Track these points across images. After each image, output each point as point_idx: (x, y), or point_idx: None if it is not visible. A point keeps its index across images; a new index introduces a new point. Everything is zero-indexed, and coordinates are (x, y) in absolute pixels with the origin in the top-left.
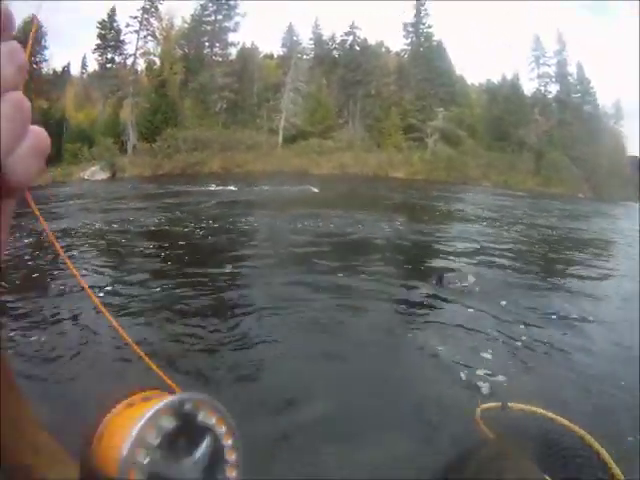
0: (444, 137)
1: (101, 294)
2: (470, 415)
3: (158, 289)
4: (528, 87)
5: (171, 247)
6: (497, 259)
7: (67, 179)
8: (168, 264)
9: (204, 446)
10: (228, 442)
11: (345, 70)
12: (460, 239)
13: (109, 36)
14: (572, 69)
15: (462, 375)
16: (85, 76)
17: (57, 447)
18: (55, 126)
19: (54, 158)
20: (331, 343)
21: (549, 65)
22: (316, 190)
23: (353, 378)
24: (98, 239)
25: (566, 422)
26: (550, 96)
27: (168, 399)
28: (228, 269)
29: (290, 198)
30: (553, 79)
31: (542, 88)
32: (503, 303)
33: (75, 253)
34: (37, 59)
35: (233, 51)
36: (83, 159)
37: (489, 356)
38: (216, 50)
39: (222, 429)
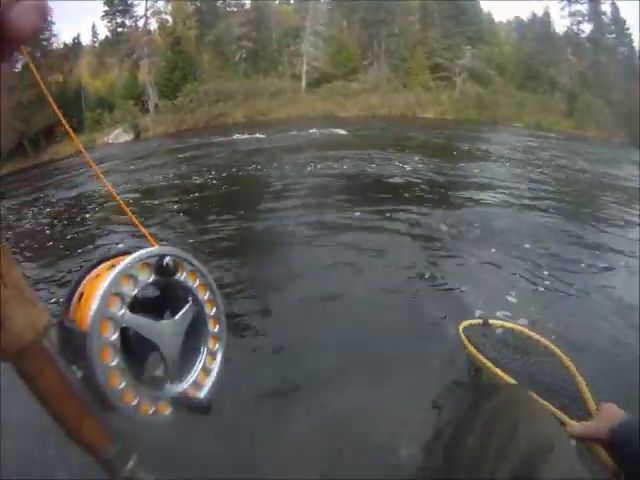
0: (473, 76)
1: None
2: (456, 331)
3: (188, 235)
4: (559, 26)
5: (201, 197)
6: (526, 201)
7: (91, 145)
8: (197, 211)
9: (185, 310)
10: (211, 311)
11: (366, 10)
12: (487, 179)
13: (116, 1)
14: (606, 8)
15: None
16: (97, 44)
17: (27, 287)
18: (73, 97)
19: (76, 128)
20: (349, 281)
21: (581, 3)
22: (344, 132)
23: (368, 313)
24: (127, 198)
25: (546, 341)
26: (583, 35)
27: (145, 250)
28: (256, 212)
29: (318, 141)
30: (586, 17)
31: (574, 27)
32: (527, 246)
33: (107, 214)
34: (45, 35)
35: (247, 0)
36: (105, 124)
37: (511, 299)
38: (229, 1)
39: (205, 296)
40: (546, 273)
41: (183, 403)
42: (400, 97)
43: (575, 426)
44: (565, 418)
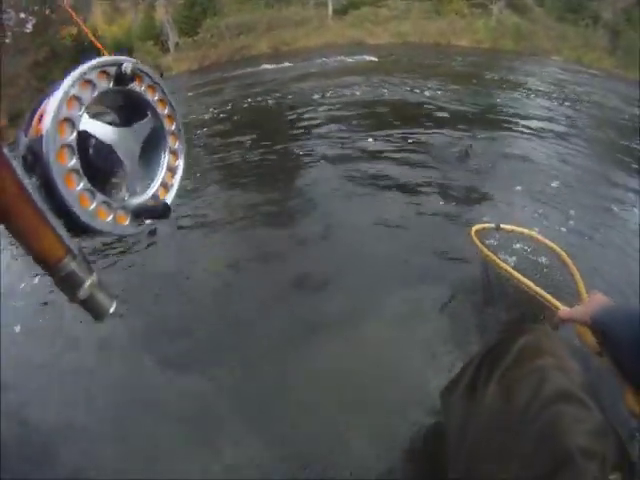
0: (510, 4)
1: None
2: (466, 234)
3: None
4: None
5: (227, 127)
6: (555, 136)
7: None
8: (224, 140)
9: (144, 121)
10: (170, 127)
11: None
12: (517, 111)
13: None
14: None
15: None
16: None
17: None
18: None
19: None
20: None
21: None
22: (374, 59)
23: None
24: None
25: (554, 245)
26: None
27: (103, 57)
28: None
29: (347, 68)
30: None
31: None
32: (554, 184)
33: None
34: None
35: None
36: None
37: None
38: None
39: (164, 111)
40: (571, 211)
41: (142, 212)
42: (433, 24)
43: (563, 310)
44: (556, 303)
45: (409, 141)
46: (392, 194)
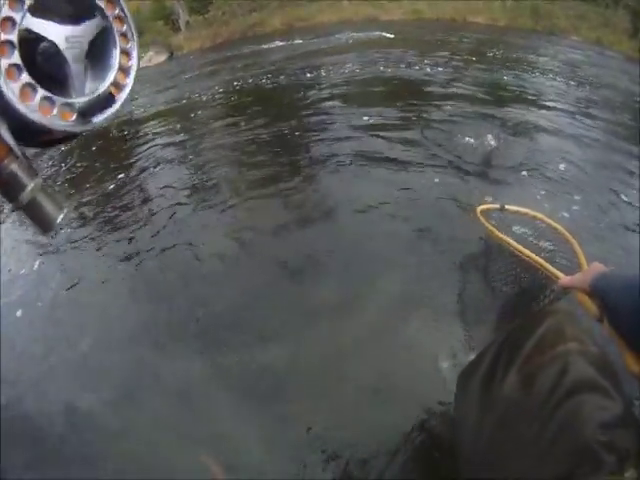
0: None
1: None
2: (471, 213)
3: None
4: None
5: (241, 102)
6: (568, 117)
7: None
8: (237, 115)
9: (91, 21)
10: (121, 28)
11: None
12: (530, 90)
13: None
14: None
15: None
16: None
17: None
18: None
19: None
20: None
21: None
22: (389, 35)
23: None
24: (170, 115)
25: (557, 225)
26: None
27: None
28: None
29: (362, 43)
30: None
31: None
32: (561, 167)
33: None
34: None
35: None
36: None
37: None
38: None
39: (114, 12)
40: (577, 195)
41: (87, 107)
42: (448, 1)
43: (563, 278)
44: (557, 272)
45: (417, 117)
46: (403, 170)
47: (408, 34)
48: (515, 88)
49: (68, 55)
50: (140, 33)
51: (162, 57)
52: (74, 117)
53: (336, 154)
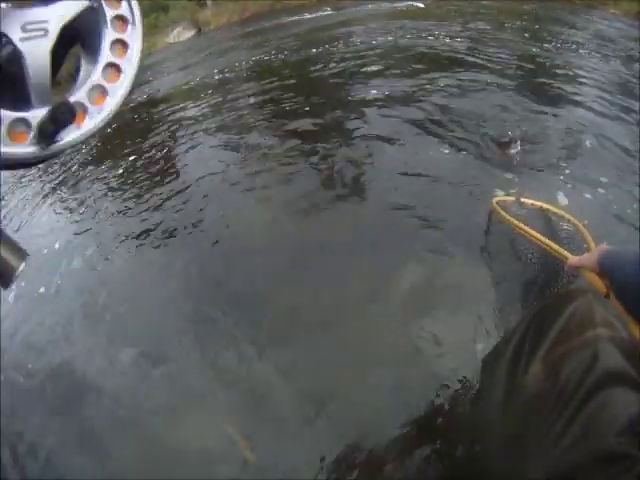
0: None
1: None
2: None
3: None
4: None
5: (273, 78)
6: (597, 99)
7: (153, 49)
8: (266, 90)
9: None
10: (116, 7)
11: None
12: (560, 64)
13: None
14: None
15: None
16: None
17: None
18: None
19: None
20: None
21: None
22: (421, 5)
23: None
24: (202, 89)
25: (573, 219)
26: None
27: None
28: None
29: (393, 14)
30: None
31: None
32: (587, 143)
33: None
34: None
35: None
36: (163, 26)
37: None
38: None
39: None
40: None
41: (47, 124)
42: None
43: (572, 258)
44: (566, 253)
45: (445, 87)
46: (437, 143)
47: (442, 5)
48: (549, 61)
49: (25, 50)
50: (165, 10)
51: (190, 33)
52: (30, 138)
53: (370, 126)
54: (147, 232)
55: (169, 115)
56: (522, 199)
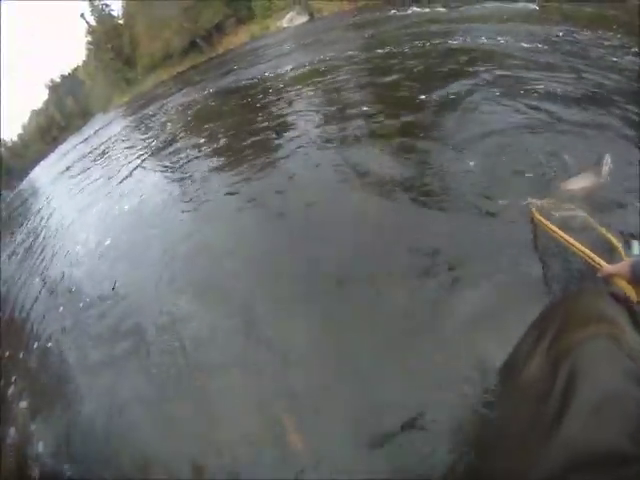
0: None
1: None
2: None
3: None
4: None
5: (380, 65)
6: None
7: (265, 32)
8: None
9: None
10: None
11: None
12: None
13: None
14: None
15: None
16: None
17: None
18: None
19: (246, 17)
20: None
21: None
22: (534, 7)
23: None
24: (316, 75)
25: (602, 229)
26: None
27: None
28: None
29: (507, 16)
30: None
31: None
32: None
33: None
34: None
35: None
36: (277, 9)
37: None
38: None
39: None
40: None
41: None
42: None
43: (606, 266)
44: (601, 261)
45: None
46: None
47: (557, 7)
48: None
49: None
50: None
51: (303, 19)
52: None
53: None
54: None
55: (285, 94)
56: (561, 205)
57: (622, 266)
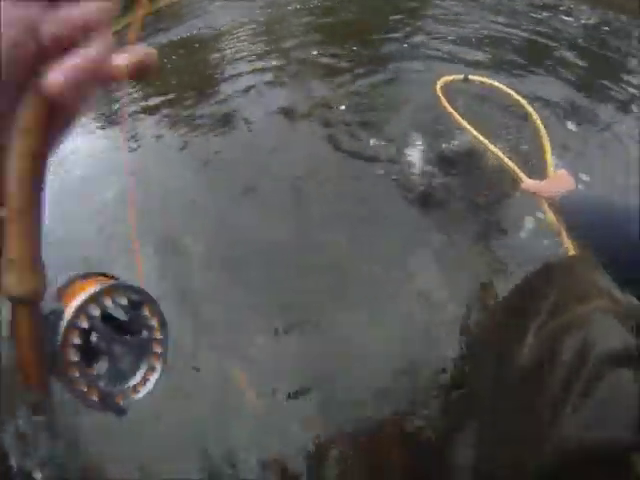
0: None
1: None
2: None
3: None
4: None
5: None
6: None
7: None
8: None
9: (139, 337)
10: (158, 335)
11: None
12: None
13: None
14: None
15: None
16: None
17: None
18: None
19: None
20: None
21: None
22: None
23: None
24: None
25: (523, 101)
26: None
27: (132, 284)
28: None
29: None
30: None
31: None
32: None
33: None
34: None
35: None
36: None
37: None
38: None
39: (159, 334)
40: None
41: (106, 398)
42: None
43: (528, 182)
44: (521, 174)
45: None
46: None
47: None
48: None
49: (111, 354)
50: None
51: None
52: (96, 397)
53: None
54: None
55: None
56: (470, 76)
57: (547, 187)
